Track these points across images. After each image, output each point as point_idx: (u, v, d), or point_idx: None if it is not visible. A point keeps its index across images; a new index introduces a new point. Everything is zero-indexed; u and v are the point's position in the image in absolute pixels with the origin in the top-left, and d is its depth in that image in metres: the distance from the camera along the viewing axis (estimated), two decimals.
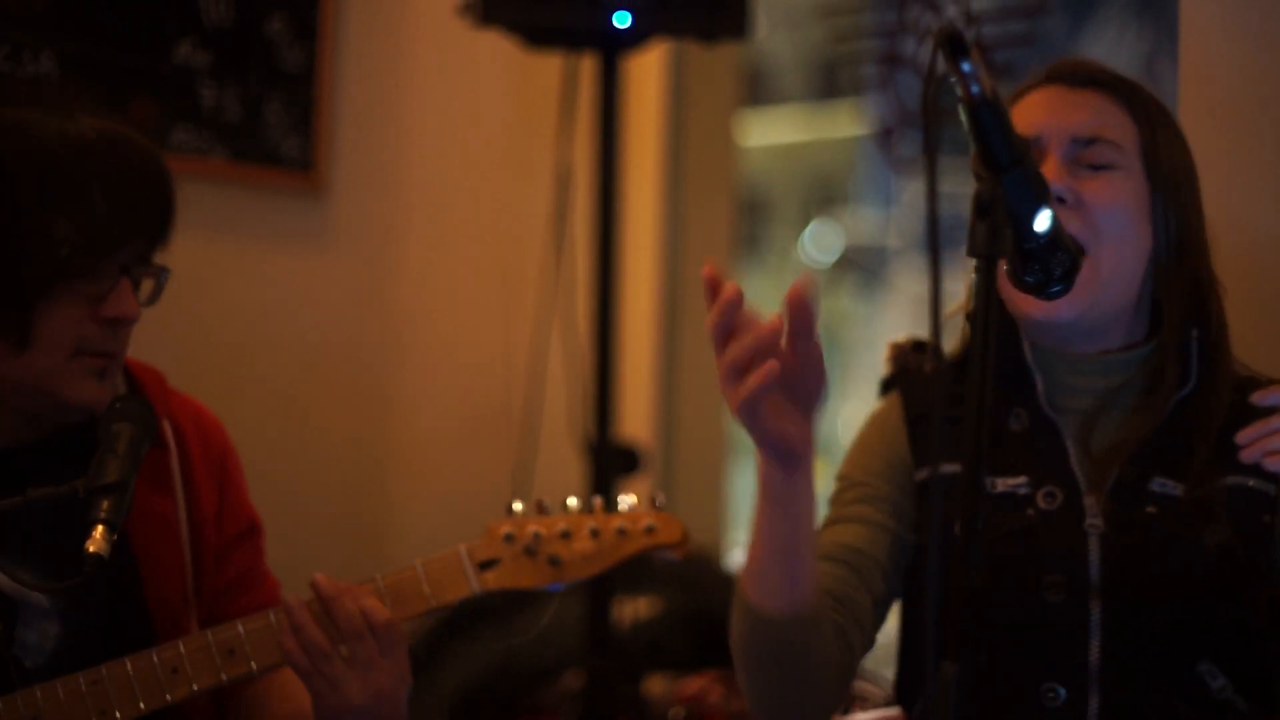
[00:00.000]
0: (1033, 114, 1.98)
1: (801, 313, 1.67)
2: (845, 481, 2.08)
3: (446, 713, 3.38)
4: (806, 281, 1.66)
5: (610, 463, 3.21)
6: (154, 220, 1.99)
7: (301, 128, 3.44)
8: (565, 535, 2.05)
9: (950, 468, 1.97)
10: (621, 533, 2.06)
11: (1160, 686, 1.86)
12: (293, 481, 3.46)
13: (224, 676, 1.96)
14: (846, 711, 3.11)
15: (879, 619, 2.01)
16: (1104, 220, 1.92)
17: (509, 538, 2.05)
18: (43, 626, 1.99)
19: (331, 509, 3.53)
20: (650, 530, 2.07)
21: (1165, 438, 1.92)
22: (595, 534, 2.06)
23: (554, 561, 2.05)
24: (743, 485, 4.53)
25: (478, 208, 3.86)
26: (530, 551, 2.04)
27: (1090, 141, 1.94)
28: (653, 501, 2.10)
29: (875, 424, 2.08)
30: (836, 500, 2.08)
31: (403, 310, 3.70)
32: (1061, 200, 1.91)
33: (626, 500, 2.09)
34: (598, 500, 2.09)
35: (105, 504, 1.81)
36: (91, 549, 1.77)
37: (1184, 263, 1.96)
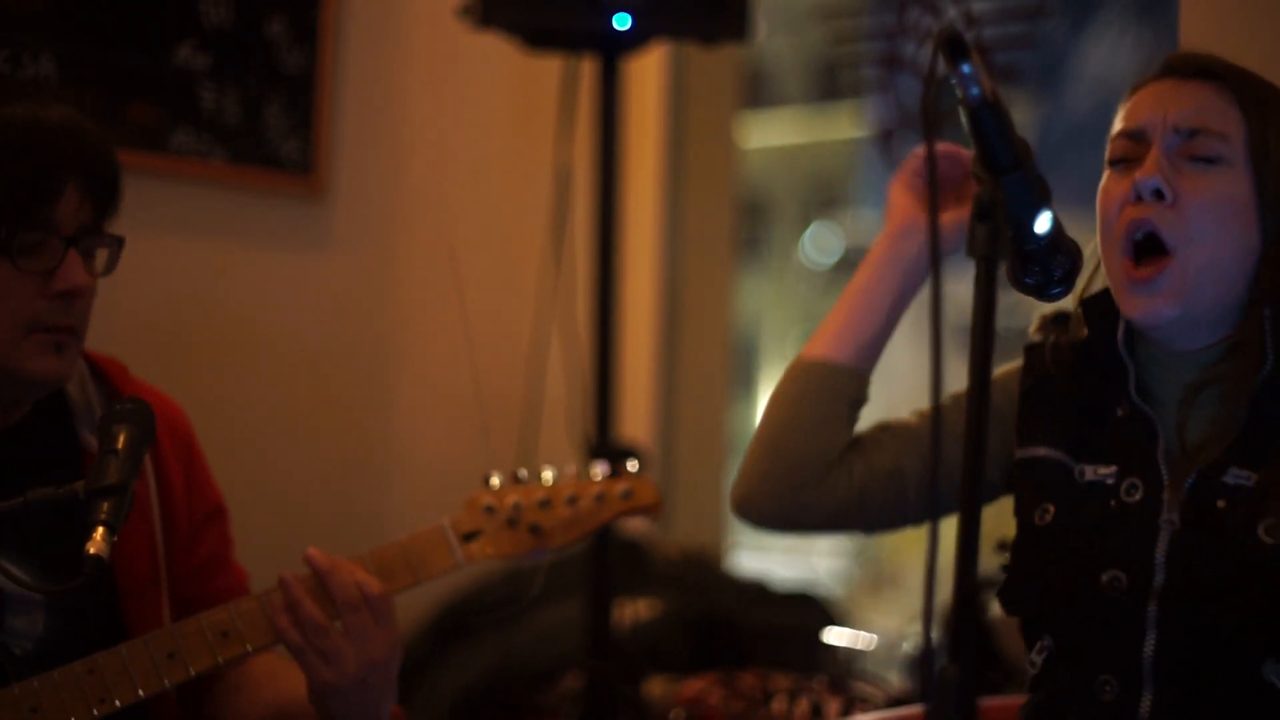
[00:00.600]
0: (1138, 108, 1.95)
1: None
2: (953, 400, 2.08)
3: (447, 714, 3.38)
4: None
5: (610, 463, 3.21)
6: (92, 184, 1.99)
7: (301, 130, 3.43)
8: (544, 504, 2.11)
9: (1042, 451, 1.99)
10: (599, 498, 2.13)
11: (1216, 685, 1.82)
12: (292, 484, 3.46)
13: (220, 659, 1.98)
14: (848, 713, 3.11)
15: (887, 500, 2.10)
16: (1198, 219, 1.88)
17: (489, 509, 2.10)
18: (30, 613, 2.01)
19: (331, 512, 3.53)
20: (627, 495, 2.15)
21: (1249, 427, 1.88)
22: (573, 501, 2.12)
23: (535, 530, 2.10)
24: None
25: (478, 210, 3.86)
26: (511, 522, 2.10)
27: (1194, 133, 1.90)
28: (628, 467, 2.16)
29: (1004, 379, 2.09)
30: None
31: (403, 313, 3.70)
32: (1161, 195, 1.88)
33: (600, 468, 2.15)
34: (572, 469, 2.15)
35: (105, 506, 1.81)
36: (92, 550, 1.78)
37: None
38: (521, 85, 3.85)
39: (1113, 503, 1.92)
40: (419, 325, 3.72)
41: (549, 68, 3.42)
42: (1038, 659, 1.94)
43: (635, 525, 3.48)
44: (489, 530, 2.10)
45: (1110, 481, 1.93)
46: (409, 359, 3.72)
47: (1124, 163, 1.95)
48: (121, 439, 1.88)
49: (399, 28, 3.68)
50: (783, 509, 2.09)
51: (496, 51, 3.45)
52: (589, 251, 3.30)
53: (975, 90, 1.53)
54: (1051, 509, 1.94)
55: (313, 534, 3.41)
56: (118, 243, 2.03)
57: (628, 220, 3.59)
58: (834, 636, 3.67)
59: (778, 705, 3.17)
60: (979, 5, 3.35)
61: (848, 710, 3.13)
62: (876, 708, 3.09)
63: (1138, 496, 1.91)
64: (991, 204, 1.53)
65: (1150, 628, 1.85)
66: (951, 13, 3.32)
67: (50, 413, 2.07)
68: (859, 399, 2.09)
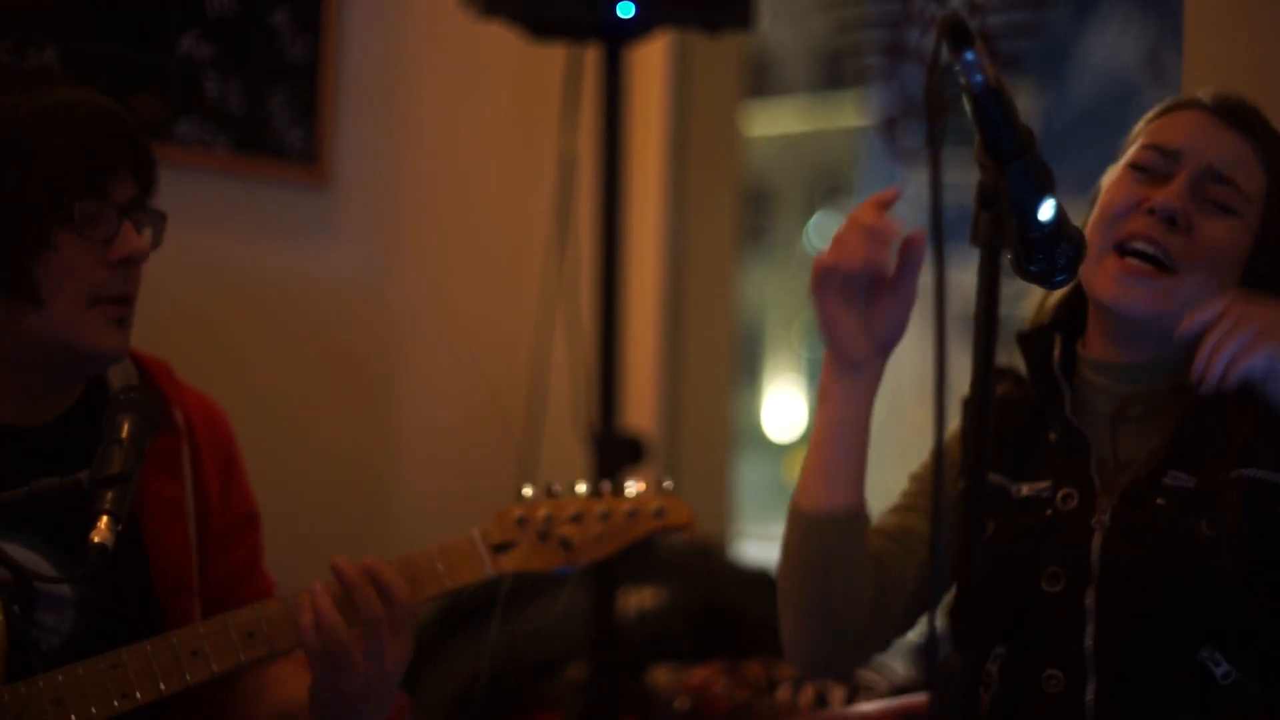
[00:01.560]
0: (1179, 129, 2.02)
1: (913, 254, 1.87)
2: (927, 471, 2.14)
3: (452, 703, 3.39)
4: (921, 235, 1.85)
5: (615, 453, 3.21)
6: (137, 159, 2.05)
7: (305, 119, 3.43)
8: (576, 518, 2.09)
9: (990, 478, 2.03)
10: (631, 515, 2.11)
11: (1156, 672, 1.88)
12: (297, 472, 3.46)
13: (243, 658, 1.99)
14: (852, 701, 3.11)
15: (921, 601, 2.08)
16: (1204, 254, 1.95)
17: (521, 521, 2.09)
18: (60, 609, 2.02)
19: (336, 499, 3.54)
20: (659, 513, 2.13)
21: (1187, 433, 1.95)
22: (605, 517, 2.10)
23: (565, 544, 2.09)
24: (747, 475, 4.53)
25: (481, 199, 3.86)
26: (542, 534, 2.08)
27: (1223, 180, 1.97)
28: (660, 484, 2.16)
29: (949, 450, 2.10)
30: (918, 488, 2.15)
31: (407, 301, 3.70)
32: (1172, 221, 1.95)
33: (633, 484, 2.14)
34: (605, 484, 2.13)
35: (110, 495, 1.82)
36: (96, 539, 1.79)
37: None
38: (525, 74, 3.85)
39: (1048, 512, 1.99)
40: (423, 312, 3.72)
41: (552, 57, 3.42)
42: (994, 669, 1.99)
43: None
44: (520, 542, 2.08)
45: (1045, 495, 2.00)
46: (414, 346, 3.72)
47: (1147, 173, 2.01)
48: (125, 428, 1.89)
49: (402, 17, 3.68)
50: (852, 662, 2.10)
51: (500, 40, 3.45)
52: (592, 240, 3.30)
53: (979, 78, 1.54)
54: (991, 525, 2.00)
55: (318, 523, 3.42)
56: (161, 218, 2.07)
57: (631, 209, 3.58)
58: None
59: (782, 694, 3.18)
60: None
61: (852, 698, 3.13)
62: (880, 696, 3.09)
63: (1073, 504, 1.98)
64: (995, 192, 1.53)
65: (1089, 618, 1.91)
66: (955, 0, 3.31)
67: (94, 409, 2.07)
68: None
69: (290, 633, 1.99)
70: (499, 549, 2.08)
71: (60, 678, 1.92)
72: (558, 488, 2.11)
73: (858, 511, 1.97)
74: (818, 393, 1.95)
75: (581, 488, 2.12)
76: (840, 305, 1.90)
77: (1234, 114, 2.02)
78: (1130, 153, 2.04)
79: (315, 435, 3.52)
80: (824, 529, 1.96)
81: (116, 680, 1.94)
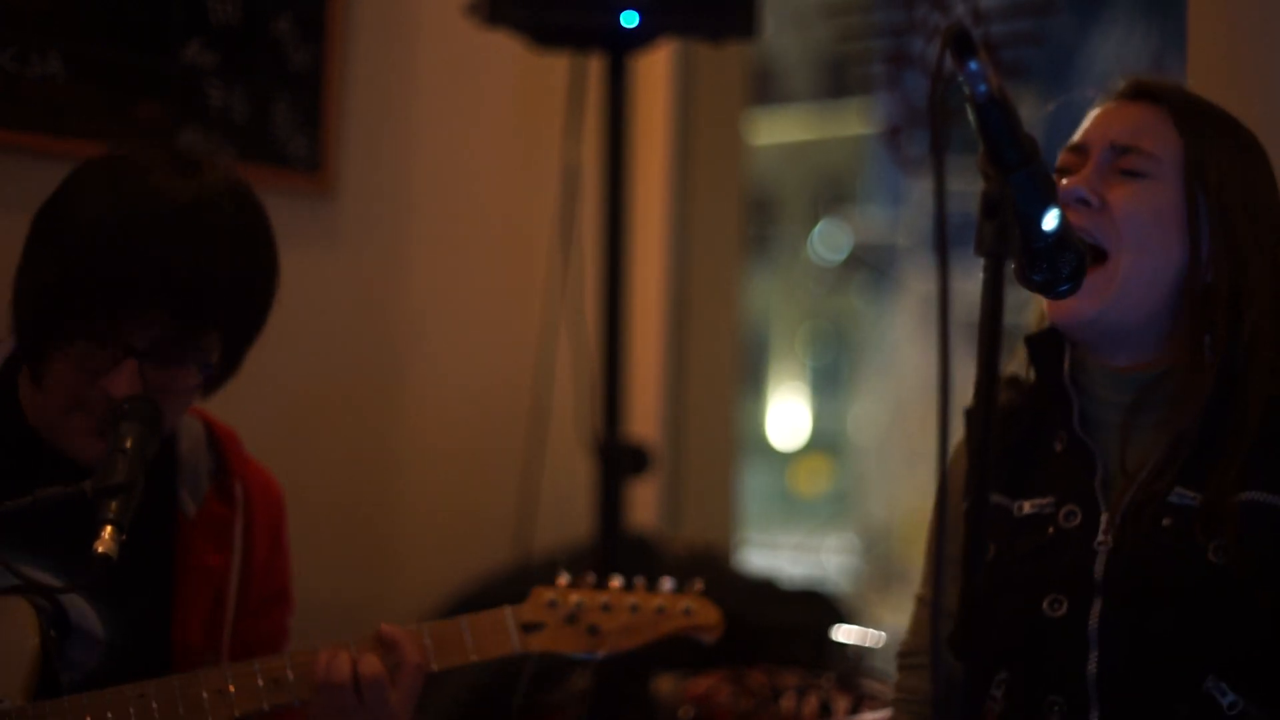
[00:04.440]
0: (1087, 126, 2.04)
1: None
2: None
3: (455, 712, 3.38)
4: None
5: (618, 462, 3.20)
6: (186, 310, 1.98)
7: (309, 128, 3.43)
8: (606, 608, 2.16)
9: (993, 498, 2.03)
10: (660, 611, 2.18)
11: (1160, 700, 1.85)
12: (302, 481, 3.44)
13: (266, 705, 2.01)
14: (856, 710, 3.11)
15: None
16: (1125, 225, 1.95)
17: (552, 604, 2.15)
18: (89, 647, 2.03)
19: (340, 508, 3.53)
20: (688, 612, 2.20)
21: (1191, 448, 1.93)
22: (635, 609, 2.17)
23: (593, 631, 2.15)
24: (751, 484, 4.53)
25: (486, 208, 3.86)
26: (572, 619, 2.15)
27: (1126, 150, 1.97)
28: (694, 587, 2.22)
29: (955, 465, 2.10)
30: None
31: (411, 310, 3.70)
32: (1086, 203, 1.95)
33: (667, 582, 2.21)
34: (640, 579, 2.20)
35: (113, 505, 1.82)
36: (100, 549, 1.79)
37: (1220, 278, 1.95)
38: (529, 83, 3.85)
39: (1050, 529, 1.97)
40: (427, 321, 3.72)
41: (556, 65, 3.42)
42: (998, 694, 1.97)
43: (645, 518, 3.46)
44: (549, 624, 2.15)
45: (1048, 511, 1.99)
46: (418, 355, 3.72)
47: (1065, 174, 2.02)
48: (130, 439, 1.89)
49: (406, 25, 3.68)
50: None
51: (504, 49, 3.45)
52: (597, 249, 3.30)
53: (982, 87, 1.54)
54: (992, 548, 1.99)
55: (321, 530, 3.41)
56: (208, 367, 2.04)
57: (635, 218, 3.58)
58: (843, 634, 3.67)
59: (786, 703, 3.17)
60: (987, 2, 3.34)
61: (856, 707, 3.13)
62: (885, 705, 3.08)
63: (1076, 522, 1.96)
64: (999, 201, 1.53)
65: (1093, 645, 1.89)
66: (959, 9, 3.31)
67: (156, 464, 2.06)
68: None
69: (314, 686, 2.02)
70: (528, 628, 2.13)
71: (86, 700, 1.94)
72: (591, 578, 2.18)
73: None
74: None
75: (616, 581, 2.19)
76: None
77: (1140, 89, 2.04)
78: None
79: (319, 445, 3.52)
80: None
81: (140, 711, 1.95)
